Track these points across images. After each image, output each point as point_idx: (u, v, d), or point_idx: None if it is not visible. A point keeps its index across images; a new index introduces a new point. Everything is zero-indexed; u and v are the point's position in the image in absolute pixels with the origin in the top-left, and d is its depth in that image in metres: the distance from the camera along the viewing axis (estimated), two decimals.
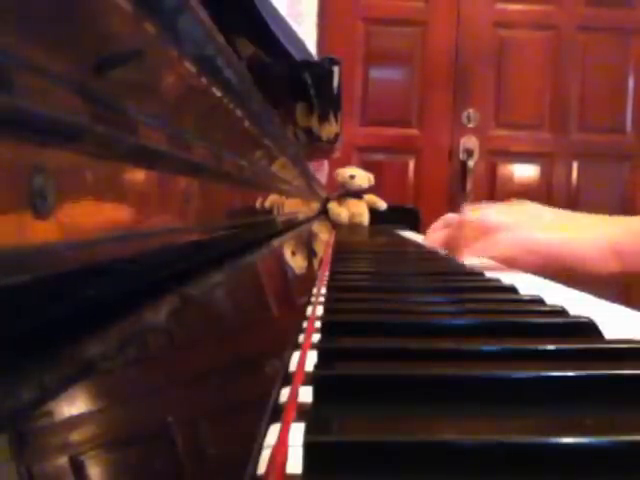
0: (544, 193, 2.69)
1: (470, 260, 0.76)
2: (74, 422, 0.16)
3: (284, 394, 0.27)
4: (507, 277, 0.64)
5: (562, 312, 0.43)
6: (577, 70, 2.72)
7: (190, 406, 0.22)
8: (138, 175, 0.24)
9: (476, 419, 0.24)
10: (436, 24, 2.67)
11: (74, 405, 0.16)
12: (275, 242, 0.67)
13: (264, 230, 0.64)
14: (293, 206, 0.93)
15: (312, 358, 0.32)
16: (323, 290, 0.55)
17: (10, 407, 0.14)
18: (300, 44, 0.88)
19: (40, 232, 0.15)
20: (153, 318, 0.25)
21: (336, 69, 1.01)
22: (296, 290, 0.62)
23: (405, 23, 2.68)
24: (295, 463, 0.20)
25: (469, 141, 2.70)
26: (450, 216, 0.89)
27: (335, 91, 1.04)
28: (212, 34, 0.30)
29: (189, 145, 0.31)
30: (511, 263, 0.73)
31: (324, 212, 1.90)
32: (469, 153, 2.69)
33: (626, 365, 0.30)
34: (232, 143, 0.44)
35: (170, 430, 0.20)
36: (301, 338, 0.38)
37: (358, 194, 1.96)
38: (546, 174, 2.74)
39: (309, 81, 0.86)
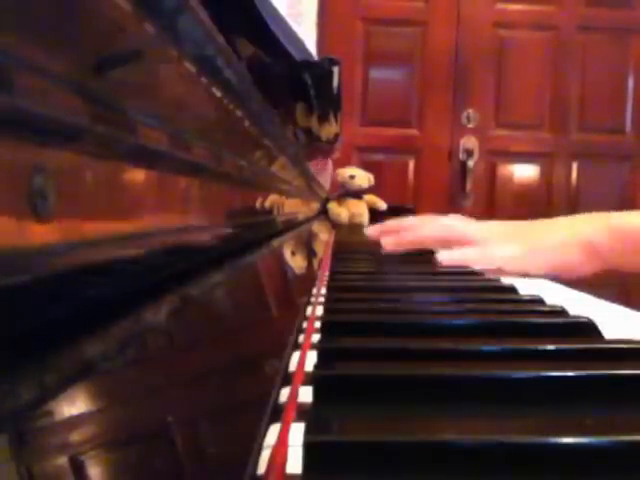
0: (544, 193, 2.69)
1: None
2: (74, 422, 0.16)
3: (284, 394, 0.27)
4: (508, 277, 0.64)
5: (562, 312, 0.43)
6: (577, 70, 2.72)
7: (190, 406, 0.22)
8: (138, 175, 0.24)
9: (476, 419, 0.24)
10: (436, 24, 2.67)
11: (74, 405, 0.16)
12: (275, 242, 0.67)
13: (264, 230, 0.64)
14: (293, 206, 0.93)
15: (312, 358, 0.32)
16: (323, 290, 0.55)
17: (10, 407, 0.14)
18: (300, 44, 0.88)
19: (40, 232, 0.15)
20: (153, 318, 0.25)
21: (336, 69, 1.01)
22: (296, 290, 0.62)
23: (405, 23, 2.68)
24: (295, 463, 0.20)
25: (469, 141, 2.69)
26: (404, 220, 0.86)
27: (335, 91, 1.04)
28: (212, 34, 0.30)
29: (189, 145, 0.31)
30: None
31: (324, 212, 1.89)
32: (469, 153, 2.68)
33: (626, 365, 0.30)
34: (232, 143, 0.44)
35: (170, 430, 0.20)
36: (301, 338, 0.38)
37: (358, 194, 1.96)
38: (546, 174, 2.74)
39: (309, 81, 0.86)
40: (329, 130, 1.12)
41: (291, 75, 0.79)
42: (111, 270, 0.22)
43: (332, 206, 1.93)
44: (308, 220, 1.31)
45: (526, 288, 0.56)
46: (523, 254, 0.68)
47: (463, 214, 0.83)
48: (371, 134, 2.67)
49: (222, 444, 0.22)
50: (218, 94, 0.34)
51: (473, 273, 0.68)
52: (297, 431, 0.22)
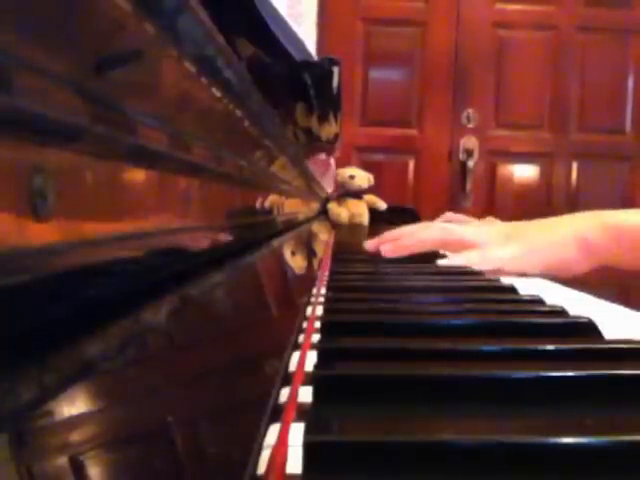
0: (544, 193, 2.69)
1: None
2: (74, 422, 0.16)
3: (284, 394, 0.27)
4: (507, 277, 0.64)
5: (562, 312, 0.43)
6: (577, 70, 2.72)
7: (190, 406, 0.22)
8: (138, 175, 0.24)
9: (476, 419, 0.24)
10: (436, 24, 2.67)
11: (74, 405, 0.16)
12: (275, 242, 0.67)
13: (264, 230, 0.64)
14: (293, 206, 0.93)
15: (312, 358, 0.32)
16: (323, 290, 0.55)
17: (10, 407, 0.14)
18: (300, 44, 0.88)
19: (40, 232, 0.15)
20: (153, 318, 0.25)
21: (336, 69, 1.01)
22: (296, 290, 0.62)
23: (405, 23, 2.68)
24: (295, 463, 0.20)
25: (469, 141, 2.69)
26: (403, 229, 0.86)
27: (335, 91, 1.04)
28: (212, 34, 0.30)
29: (189, 145, 0.31)
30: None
31: (324, 212, 1.89)
32: (469, 153, 2.68)
33: (626, 365, 0.30)
34: (232, 143, 0.44)
35: (170, 430, 0.20)
36: (301, 338, 0.38)
37: (358, 194, 1.96)
38: (546, 174, 2.74)
39: (309, 81, 0.86)
40: (329, 130, 1.12)
41: (291, 75, 0.79)
42: (111, 270, 0.22)
43: (332, 206, 1.93)
44: (308, 220, 1.31)
45: (526, 288, 0.56)
46: (521, 254, 0.68)
47: (463, 214, 0.84)
48: (371, 134, 2.67)
49: (222, 444, 0.22)
50: (218, 94, 0.34)
51: (473, 273, 0.68)
52: (297, 431, 0.22)
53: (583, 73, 2.72)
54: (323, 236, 1.36)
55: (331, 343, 0.35)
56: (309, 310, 0.46)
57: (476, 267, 0.69)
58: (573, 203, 2.64)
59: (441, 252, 0.82)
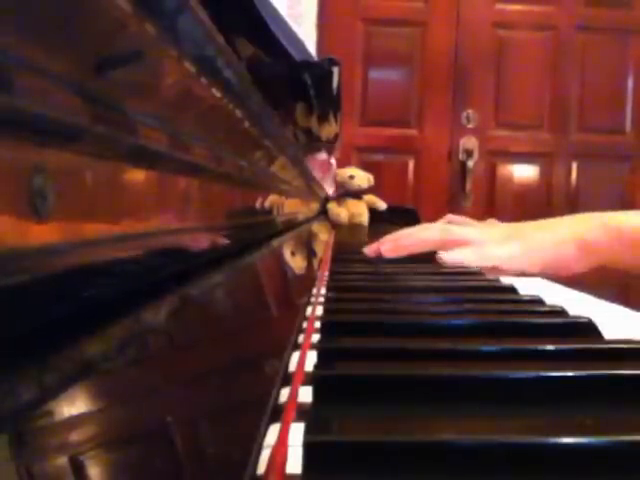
0: (544, 193, 2.69)
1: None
2: (74, 422, 0.16)
3: (284, 394, 0.27)
4: (507, 277, 0.64)
5: (562, 312, 0.43)
6: (576, 70, 2.72)
7: (190, 406, 0.22)
8: (138, 175, 0.24)
9: (476, 419, 0.24)
10: (436, 25, 2.67)
11: (74, 405, 0.16)
12: (275, 242, 0.67)
13: (264, 230, 0.64)
14: (293, 206, 0.93)
15: (312, 358, 0.32)
16: (323, 290, 0.55)
17: (10, 407, 0.14)
18: (300, 44, 0.88)
19: (40, 232, 0.15)
20: (153, 318, 0.24)
21: (336, 69, 1.01)
22: (296, 290, 0.62)
23: (405, 23, 2.68)
24: (295, 463, 0.20)
25: (468, 141, 2.69)
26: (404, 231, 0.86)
27: (335, 91, 1.04)
28: (212, 34, 0.30)
29: (189, 145, 0.31)
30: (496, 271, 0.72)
31: (324, 212, 1.89)
32: (468, 153, 2.68)
33: (626, 365, 0.30)
34: (232, 143, 0.44)
35: (170, 430, 0.20)
36: (301, 338, 0.38)
37: (358, 194, 1.96)
38: (546, 174, 2.74)
39: (309, 81, 0.86)
40: (329, 130, 1.12)
41: (291, 75, 0.79)
42: (111, 270, 0.22)
43: (332, 206, 1.93)
44: (308, 220, 1.31)
45: (526, 288, 0.56)
46: (520, 253, 0.69)
47: (463, 214, 0.84)
48: (371, 134, 2.67)
49: (222, 444, 0.22)
50: (218, 94, 0.34)
51: (472, 273, 0.68)
52: (297, 431, 0.22)
53: (583, 73, 2.72)
54: (323, 236, 1.36)
55: (331, 343, 0.35)
56: (309, 310, 0.46)
57: (473, 264, 0.69)
58: (573, 203, 2.64)
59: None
